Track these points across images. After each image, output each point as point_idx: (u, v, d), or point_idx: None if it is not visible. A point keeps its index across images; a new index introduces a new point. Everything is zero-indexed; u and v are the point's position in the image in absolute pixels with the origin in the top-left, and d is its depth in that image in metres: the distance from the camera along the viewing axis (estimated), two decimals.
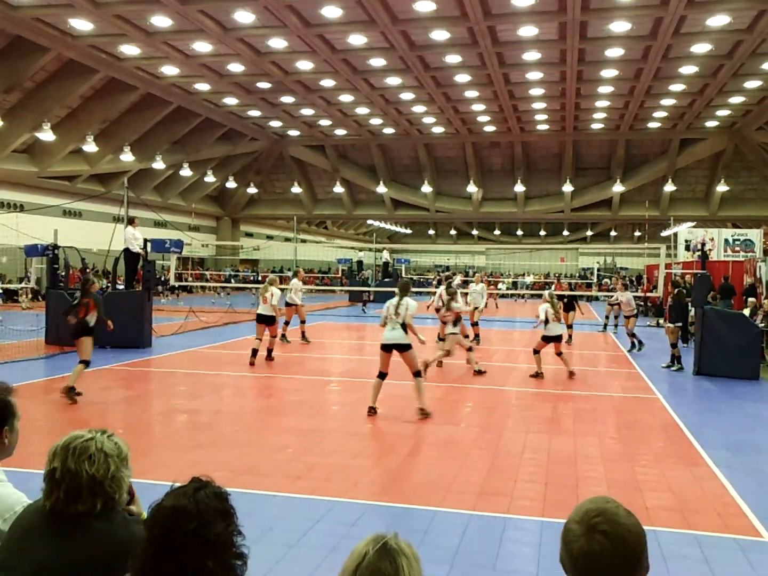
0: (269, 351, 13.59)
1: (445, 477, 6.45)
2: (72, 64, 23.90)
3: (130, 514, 2.29)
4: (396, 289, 9.37)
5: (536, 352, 12.33)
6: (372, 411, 8.86)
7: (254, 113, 32.75)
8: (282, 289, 14.70)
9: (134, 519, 2.16)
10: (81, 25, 20.64)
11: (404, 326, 8.81)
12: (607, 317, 21.77)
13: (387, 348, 8.94)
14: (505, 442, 7.75)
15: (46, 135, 24.82)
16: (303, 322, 16.89)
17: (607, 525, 1.60)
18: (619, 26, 19.99)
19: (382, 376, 8.99)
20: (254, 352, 13.05)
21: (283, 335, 16.41)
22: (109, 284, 20.40)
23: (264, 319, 13.41)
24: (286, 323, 16.75)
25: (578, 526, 1.63)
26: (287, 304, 16.59)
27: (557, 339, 12.32)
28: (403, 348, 8.87)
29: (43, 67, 23.66)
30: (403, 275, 42.80)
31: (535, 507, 5.63)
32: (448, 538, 4.94)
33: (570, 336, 17.57)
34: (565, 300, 17.87)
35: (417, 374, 8.95)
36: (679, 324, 14.10)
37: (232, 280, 40.01)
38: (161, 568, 1.74)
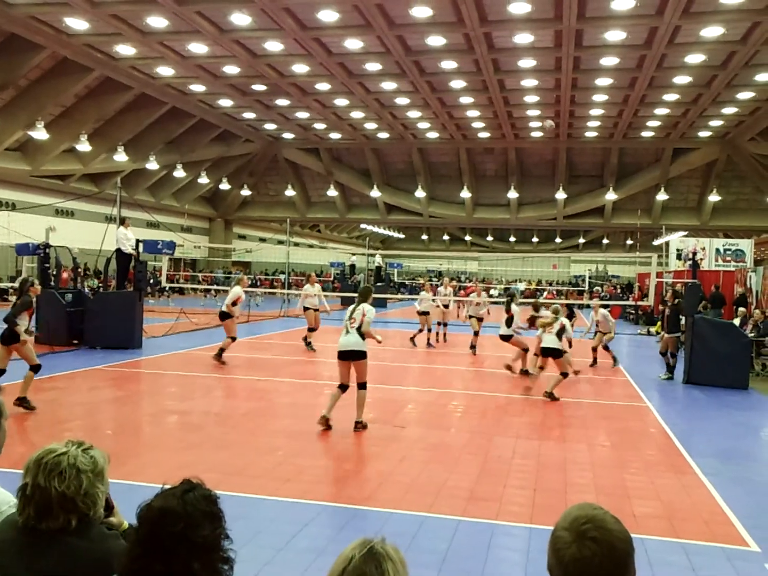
0: (219, 350, 13.36)
1: (434, 482, 6.45)
2: (67, 63, 23.83)
3: (109, 526, 2.27)
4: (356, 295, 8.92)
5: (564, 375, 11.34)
6: (324, 420, 8.25)
7: (249, 115, 32.74)
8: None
9: (112, 534, 2.11)
10: (76, 23, 20.59)
11: (361, 333, 8.32)
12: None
13: (342, 356, 8.36)
14: (495, 447, 7.76)
15: (40, 133, 24.73)
16: (311, 329, 16.33)
17: (597, 531, 1.60)
18: (615, 35, 20.10)
19: (342, 387, 8.39)
20: (220, 350, 13.30)
21: (309, 342, 16.10)
22: (101, 284, 20.34)
23: (225, 317, 13.64)
24: (311, 329, 16.30)
25: (568, 533, 1.63)
26: (306, 309, 16.38)
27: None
28: (357, 356, 8.32)
29: (37, 65, 23.58)
30: (395, 279, 42.87)
31: (524, 513, 5.64)
32: (436, 543, 4.94)
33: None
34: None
35: (362, 386, 8.37)
36: (678, 334, 14.12)
37: (215, 284, 39.85)
38: (148, 569, 1.74)
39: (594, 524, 1.62)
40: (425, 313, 17.80)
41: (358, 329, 8.31)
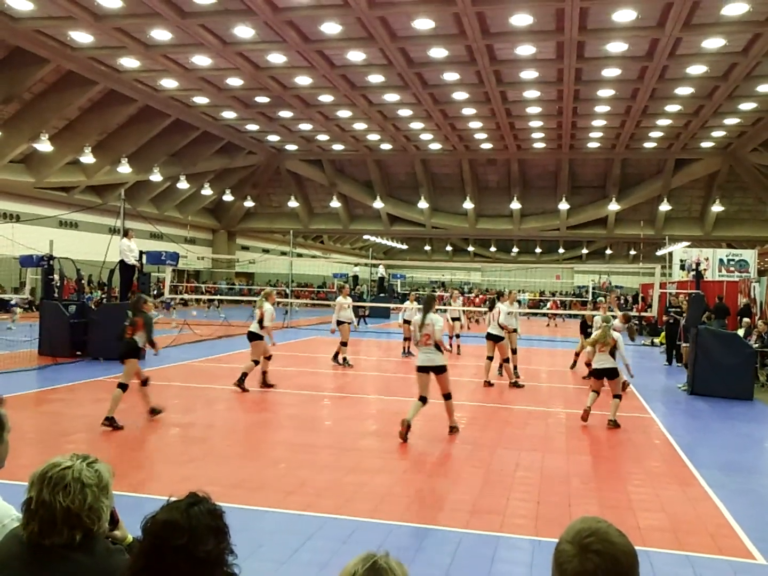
0: (262, 374, 12.15)
1: (437, 494, 6.42)
2: (71, 76, 23.97)
3: (113, 540, 2.25)
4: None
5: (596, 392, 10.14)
6: (405, 428, 8.42)
7: (252, 127, 32.87)
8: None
9: (117, 549, 2.09)
10: (81, 37, 20.74)
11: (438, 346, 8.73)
12: None
13: (424, 370, 8.82)
14: (498, 459, 7.73)
15: (44, 146, 24.85)
16: (344, 344, 15.56)
17: (600, 545, 1.59)
18: (616, 47, 20.17)
19: (423, 399, 8.74)
20: (243, 375, 11.65)
21: (345, 358, 15.50)
22: (104, 296, 20.37)
23: (253, 337, 12.01)
24: (344, 344, 15.60)
25: (571, 546, 1.62)
26: (340, 323, 15.57)
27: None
28: (439, 370, 8.74)
29: (41, 79, 23.73)
30: (399, 290, 42.88)
31: (527, 525, 5.60)
32: (440, 557, 4.91)
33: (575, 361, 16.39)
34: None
35: (448, 396, 8.82)
36: None
37: (217, 295, 39.88)
38: None
39: (597, 537, 1.61)
40: (407, 322, 16.83)
41: (436, 345, 8.68)
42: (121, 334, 9.12)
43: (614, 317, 12.02)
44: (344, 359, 15.49)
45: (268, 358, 12.14)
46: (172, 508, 1.80)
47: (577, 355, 16.15)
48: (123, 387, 8.93)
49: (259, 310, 12.07)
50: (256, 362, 11.87)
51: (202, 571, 1.74)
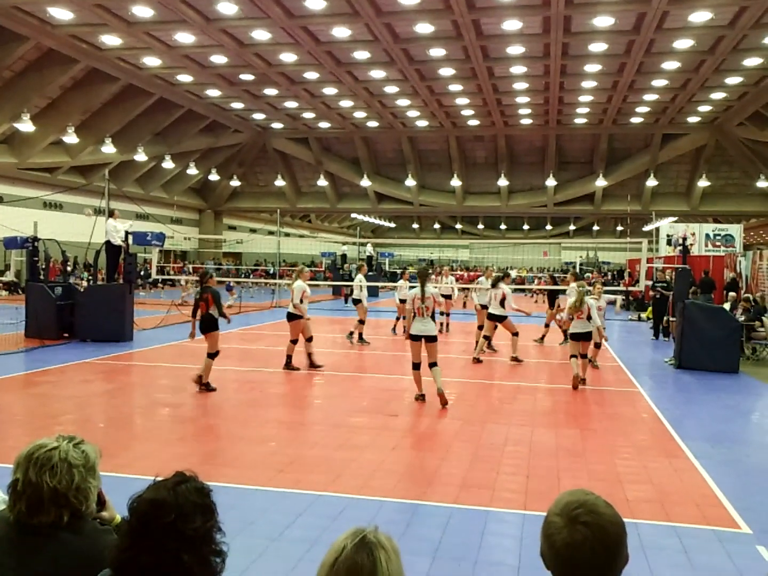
0: (308, 356, 12.21)
1: (427, 470, 6.46)
2: (52, 54, 23.58)
3: (101, 521, 2.25)
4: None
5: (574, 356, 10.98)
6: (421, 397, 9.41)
7: (237, 105, 32.54)
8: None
9: (105, 529, 2.09)
10: (61, 14, 20.35)
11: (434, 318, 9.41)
12: None
13: (418, 338, 9.43)
14: (488, 434, 7.78)
15: (26, 126, 24.51)
16: (361, 321, 15.72)
17: (589, 516, 1.62)
18: (603, 21, 20.04)
19: (416, 366, 9.58)
20: (288, 357, 11.92)
21: (360, 335, 15.66)
22: (91, 277, 20.25)
23: (290, 317, 12.18)
24: (361, 322, 15.73)
25: (560, 518, 1.65)
26: (356, 302, 15.95)
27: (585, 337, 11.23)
28: (432, 339, 9.32)
29: (22, 56, 23.31)
30: (387, 269, 42.90)
31: (516, 499, 5.66)
32: (430, 531, 4.95)
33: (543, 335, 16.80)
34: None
35: (434, 364, 9.24)
36: None
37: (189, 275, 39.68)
38: (137, 560, 1.73)
39: (585, 509, 1.63)
40: (403, 302, 17.07)
41: (432, 316, 9.34)
42: (195, 312, 10.00)
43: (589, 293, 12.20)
44: (360, 336, 15.69)
45: (309, 339, 12.17)
46: (158, 487, 1.79)
47: (547, 327, 16.78)
48: (212, 356, 9.88)
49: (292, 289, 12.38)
50: (294, 341, 12.09)
51: (189, 548, 1.73)
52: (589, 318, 10.87)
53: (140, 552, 1.72)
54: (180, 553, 1.72)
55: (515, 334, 13.45)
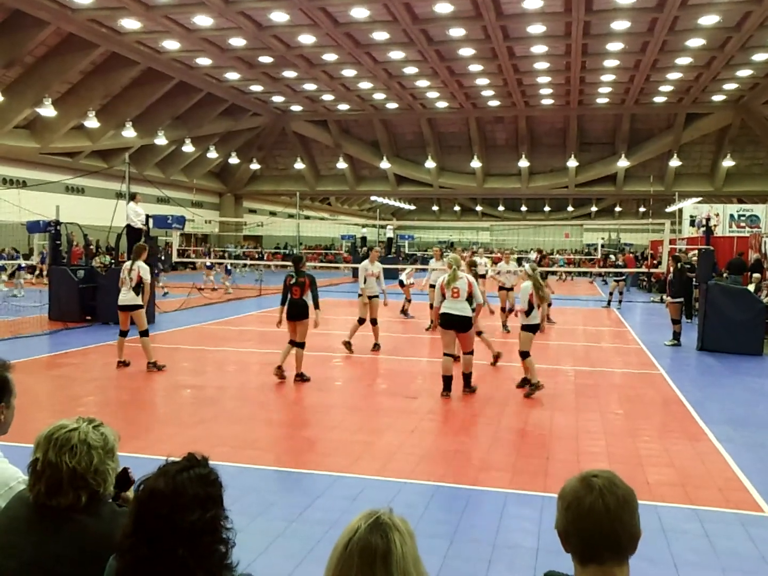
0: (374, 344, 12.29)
1: (446, 452, 6.46)
2: (72, 39, 23.66)
3: (124, 501, 2.26)
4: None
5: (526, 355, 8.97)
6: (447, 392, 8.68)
7: (256, 88, 32.49)
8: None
9: (122, 511, 2.08)
10: None
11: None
12: (611, 293, 21.70)
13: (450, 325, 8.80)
14: (508, 417, 7.75)
15: (47, 110, 24.66)
16: (408, 300, 17.82)
17: (608, 486, 1.74)
18: None
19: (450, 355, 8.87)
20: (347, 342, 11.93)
21: (406, 311, 17.56)
22: (113, 260, 20.41)
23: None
24: (408, 300, 17.77)
25: (580, 484, 1.76)
26: (402, 284, 18.05)
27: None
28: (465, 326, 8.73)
29: (42, 42, 23.45)
30: (407, 251, 42.74)
31: (536, 482, 5.63)
32: (448, 514, 4.95)
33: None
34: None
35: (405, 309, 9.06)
36: (680, 299, 14.05)
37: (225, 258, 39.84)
38: (136, 549, 1.73)
39: (603, 479, 1.76)
40: (433, 287, 16.83)
41: (469, 299, 8.64)
42: (285, 298, 9.38)
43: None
44: (406, 311, 17.41)
45: (371, 321, 12.32)
46: (160, 474, 1.78)
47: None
48: (302, 345, 9.40)
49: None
50: (362, 320, 12.21)
51: (184, 541, 1.71)
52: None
53: (139, 540, 1.72)
54: (174, 547, 1.71)
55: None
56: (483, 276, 18.00)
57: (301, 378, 9.37)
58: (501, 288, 15.65)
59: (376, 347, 12.24)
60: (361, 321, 12.22)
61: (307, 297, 9.39)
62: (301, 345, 9.38)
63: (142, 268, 10.05)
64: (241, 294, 22.47)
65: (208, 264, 26.31)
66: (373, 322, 12.30)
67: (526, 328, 8.93)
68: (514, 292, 14.36)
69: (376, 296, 12.49)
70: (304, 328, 9.37)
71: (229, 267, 26.36)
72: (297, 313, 9.32)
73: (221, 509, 1.81)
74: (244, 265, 35.36)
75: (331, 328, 15.48)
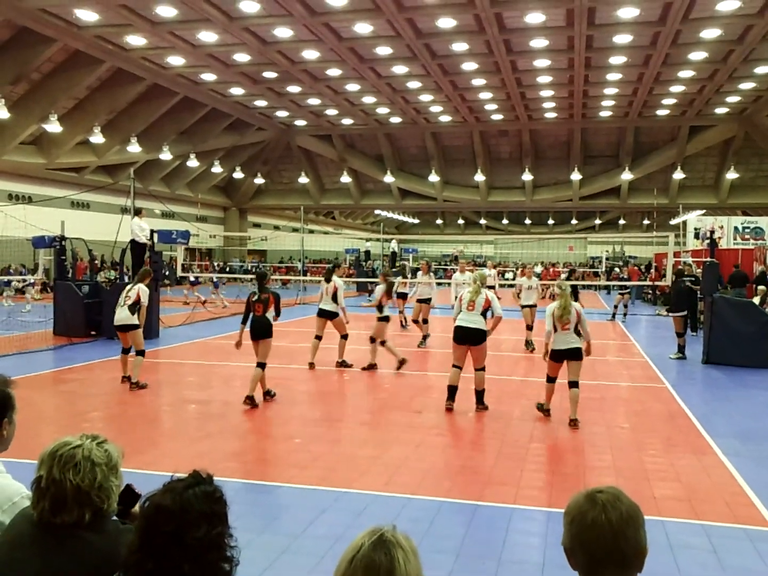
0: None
1: (451, 467, 6.44)
2: (78, 55, 23.87)
3: (132, 518, 2.26)
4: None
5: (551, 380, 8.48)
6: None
7: (261, 103, 32.67)
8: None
9: (126, 528, 2.08)
10: (86, 15, 20.58)
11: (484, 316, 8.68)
12: (616, 306, 21.66)
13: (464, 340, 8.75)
14: (513, 431, 7.73)
15: (54, 126, 24.83)
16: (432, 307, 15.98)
17: (612, 501, 1.74)
18: (628, 12, 19.78)
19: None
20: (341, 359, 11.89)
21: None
22: (118, 275, 20.47)
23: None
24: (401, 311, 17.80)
25: (584, 500, 1.76)
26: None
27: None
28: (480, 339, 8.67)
29: (49, 58, 23.65)
30: (410, 264, 42.73)
31: (541, 497, 5.61)
32: (453, 529, 4.93)
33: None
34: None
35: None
36: (683, 313, 14.02)
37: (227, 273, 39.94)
38: (141, 566, 1.73)
39: (608, 495, 1.76)
40: (401, 296, 16.80)
41: (483, 314, 8.62)
42: (246, 316, 8.94)
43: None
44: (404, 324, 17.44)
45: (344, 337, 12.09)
46: (167, 491, 1.78)
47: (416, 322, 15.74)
48: (263, 366, 8.85)
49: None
50: (345, 337, 12.09)
51: (190, 557, 1.72)
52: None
53: (145, 556, 1.72)
54: (180, 563, 1.71)
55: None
56: (492, 287, 18.03)
57: (269, 394, 9.10)
58: (524, 306, 14.75)
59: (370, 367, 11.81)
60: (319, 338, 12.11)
61: (270, 314, 8.97)
62: (262, 366, 8.82)
63: (142, 290, 10.08)
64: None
65: (214, 280, 26.55)
66: (371, 339, 11.87)
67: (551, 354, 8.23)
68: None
69: (336, 314, 12.08)
70: (266, 348, 8.88)
71: (215, 280, 26.64)
72: (260, 332, 8.85)
73: (226, 526, 1.82)
74: (251, 279, 35.44)
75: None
